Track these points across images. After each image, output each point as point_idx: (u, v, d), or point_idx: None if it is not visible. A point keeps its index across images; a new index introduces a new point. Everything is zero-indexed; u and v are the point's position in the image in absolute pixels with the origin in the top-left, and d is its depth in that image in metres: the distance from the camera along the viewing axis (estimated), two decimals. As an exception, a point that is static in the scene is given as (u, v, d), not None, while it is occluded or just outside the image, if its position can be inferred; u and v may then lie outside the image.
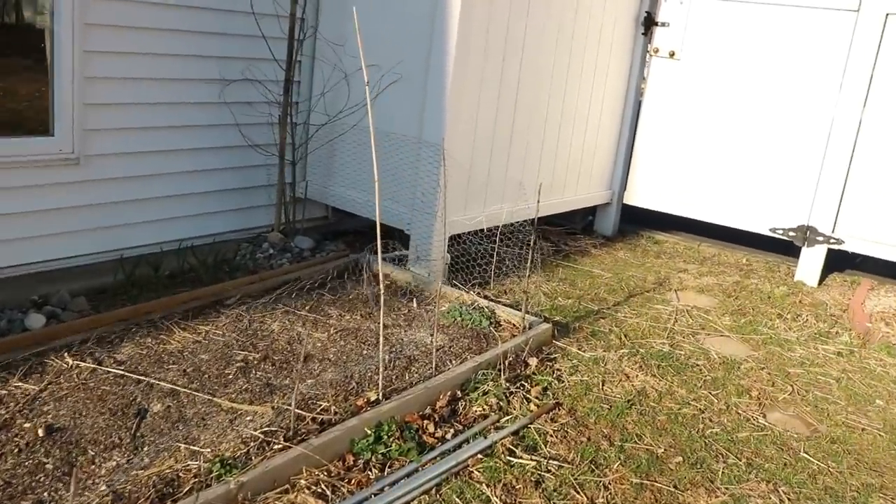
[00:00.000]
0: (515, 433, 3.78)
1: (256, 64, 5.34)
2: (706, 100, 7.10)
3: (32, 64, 4.44)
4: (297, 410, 3.55)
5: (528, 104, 5.93)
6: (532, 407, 4.03)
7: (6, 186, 4.33)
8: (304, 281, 4.99)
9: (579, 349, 4.80)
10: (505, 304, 5.11)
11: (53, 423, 3.34)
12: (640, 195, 7.54)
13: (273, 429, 3.41)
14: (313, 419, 3.53)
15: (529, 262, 4.76)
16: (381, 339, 3.76)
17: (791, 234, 6.81)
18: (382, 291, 3.67)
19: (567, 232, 7.44)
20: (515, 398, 4.07)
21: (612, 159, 7.42)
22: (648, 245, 7.50)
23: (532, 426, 3.86)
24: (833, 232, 6.63)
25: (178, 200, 5.16)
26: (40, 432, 3.26)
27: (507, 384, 4.15)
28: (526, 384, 4.23)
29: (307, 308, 4.73)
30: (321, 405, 3.65)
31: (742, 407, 4.33)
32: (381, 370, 3.79)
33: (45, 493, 2.92)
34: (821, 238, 6.67)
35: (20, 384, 3.60)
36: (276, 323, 4.48)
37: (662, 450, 3.81)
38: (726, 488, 3.56)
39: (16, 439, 3.21)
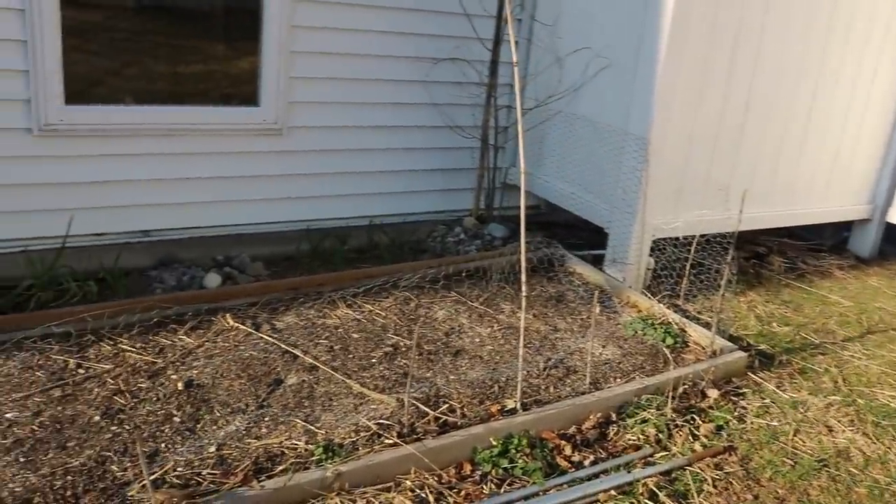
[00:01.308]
0: (666, 473, 3.34)
1: (465, 43, 5.20)
2: None
3: (243, 39, 4.65)
4: (421, 406, 3.39)
5: (765, 101, 5.21)
6: (697, 446, 3.54)
7: (212, 151, 4.59)
8: (487, 271, 4.81)
9: (778, 387, 4.16)
10: (702, 324, 4.57)
11: (195, 378, 3.47)
12: (913, 213, 6.44)
13: (389, 422, 3.28)
14: (436, 419, 3.35)
15: (724, 278, 4.18)
16: (521, 341, 3.48)
17: None
18: (524, 293, 3.38)
19: (811, 248, 6.55)
20: (679, 433, 3.60)
21: (876, 170, 6.38)
22: (913, 274, 6.42)
23: (689, 469, 3.38)
24: None
25: (372, 177, 5.19)
26: (180, 386, 3.40)
27: (674, 415, 3.69)
28: (697, 418, 3.73)
29: (480, 300, 4.54)
30: (449, 404, 3.46)
31: (977, 494, 3.51)
32: (519, 377, 3.52)
33: (163, 444, 3.03)
34: None
35: (183, 337, 3.78)
36: (443, 311, 4.35)
37: (848, 530, 3.19)
38: None
39: (159, 388, 3.38)
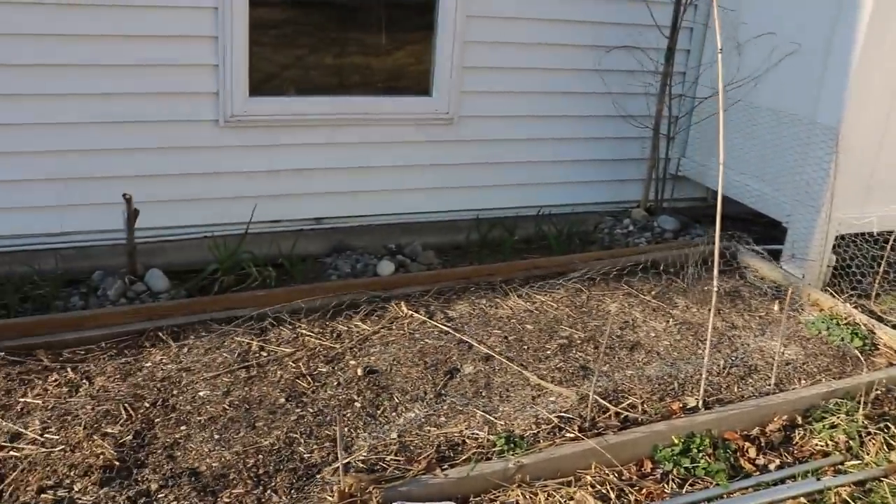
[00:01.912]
0: (860, 484, 3.14)
1: (640, 31, 5.06)
2: None
3: (417, 30, 4.70)
4: (600, 400, 3.33)
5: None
6: (893, 457, 3.30)
7: (384, 141, 4.68)
8: (659, 264, 4.68)
9: (982, 398, 3.84)
10: (892, 326, 4.28)
11: (374, 365, 3.54)
12: None
13: (570, 416, 3.24)
14: (616, 414, 3.28)
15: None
16: (708, 337, 3.35)
17: None
18: (716, 287, 3.25)
19: None
20: (873, 441, 3.38)
21: None
22: None
23: (885, 481, 3.17)
24: None
25: (541, 166, 5.15)
26: (359, 372, 3.47)
27: (866, 422, 3.46)
28: (892, 426, 3.48)
29: (653, 293, 4.43)
30: (630, 400, 3.38)
31: None
32: (703, 374, 3.40)
33: (346, 429, 3.10)
34: None
35: (359, 324, 3.87)
36: (615, 304, 4.26)
37: None
38: None
39: (339, 373, 3.47)
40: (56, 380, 3.28)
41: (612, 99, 5.15)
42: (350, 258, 4.48)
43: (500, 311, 4.09)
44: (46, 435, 2.94)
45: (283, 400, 3.25)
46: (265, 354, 3.57)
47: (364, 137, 4.64)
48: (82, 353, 3.48)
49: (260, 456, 2.92)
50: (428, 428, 3.14)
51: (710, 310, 4.25)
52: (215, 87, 4.25)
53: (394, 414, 3.22)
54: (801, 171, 4.63)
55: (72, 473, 2.76)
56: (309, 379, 3.41)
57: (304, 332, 3.77)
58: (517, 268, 4.44)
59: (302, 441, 3.02)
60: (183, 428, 3.05)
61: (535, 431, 3.14)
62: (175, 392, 3.26)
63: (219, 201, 4.47)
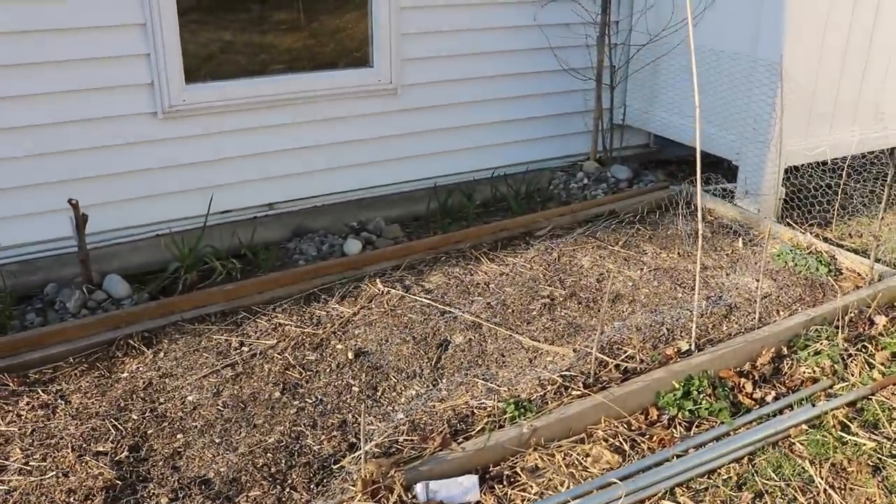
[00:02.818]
0: (852, 404, 3.25)
1: (575, -19, 5.04)
2: None
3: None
4: (599, 356, 3.33)
5: (892, 11, 4.96)
6: (875, 375, 3.43)
7: (328, 117, 4.55)
8: (619, 214, 4.70)
9: (942, 308, 4.01)
10: (849, 250, 4.41)
11: (362, 346, 3.45)
12: None
13: (572, 373, 3.23)
14: (616, 366, 3.29)
15: (885, 200, 4.01)
16: (696, 283, 3.39)
17: None
18: (701, 230, 3.28)
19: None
20: (855, 363, 3.50)
21: None
22: None
23: (874, 398, 3.29)
24: None
25: (490, 128, 5.10)
26: (350, 355, 3.38)
27: (846, 345, 3.58)
28: (869, 346, 3.61)
29: (620, 243, 4.45)
30: (626, 351, 3.40)
31: None
32: (694, 318, 3.44)
33: (350, 415, 3.02)
34: None
35: (337, 306, 3.77)
36: (586, 258, 4.27)
37: None
38: None
39: (328, 359, 3.37)
40: (28, 403, 3.08)
41: (552, 53, 5.12)
42: (314, 241, 4.35)
43: (475, 277, 4.05)
44: (32, 463, 2.77)
45: (277, 394, 3.14)
46: (247, 349, 3.44)
47: (309, 116, 4.49)
48: (50, 371, 3.29)
49: (269, 454, 2.81)
50: (432, 403, 3.08)
51: (679, 254, 4.34)
52: (149, 77, 4.04)
53: (394, 394, 3.16)
54: (746, 108, 4.71)
55: (71, 500, 2.60)
56: (299, 369, 3.30)
57: (282, 321, 3.64)
58: (484, 232, 4.39)
59: (308, 433, 2.92)
60: (180, 436, 2.91)
61: (542, 393, 3.12)
62: (162, 400, 3.11)
63: (169, 196, 4.27)
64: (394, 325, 3.61)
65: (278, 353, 3.41)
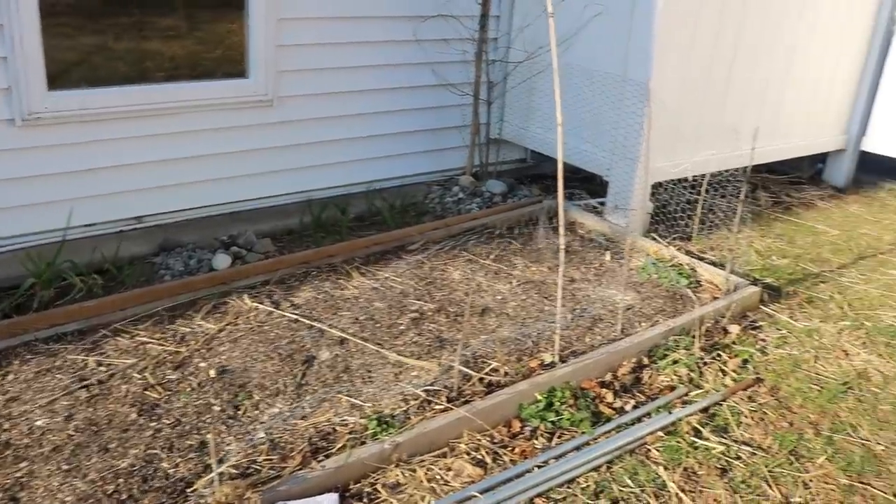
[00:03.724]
0: (705, 410, 3.39)
1: (456, -1, 5.11)
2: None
3: (228, 8, 4.46)
4: (464, 369, 3.37)
5: (753, 39, 5.23)
6: (728, 381, 3.60)
7: (202, 129, 4.43)
8: (492, 227, 4.77)
9: (791, 318, 4.24)
10: (709, 263, 4.62)
11: (226, 364, 3.38)
12: (881, 140, 6.55)
13: (436, 388, 3.25)
14: (480, 380, 3.33)
15: (738, 216, 4.21)
16: (559, 296, 3.46)
17: None
18: (563, 245, 3.35)
19: (791, 181, 6.65)
20: (709, 370, 3.66)
21: (851, 100, 6.49)
22: (889, 199, 6.55)
23: (725, 404, 3.45)
24: None
25: (367, 142, 5.09)
26: (212, 373, 3.31)
27: (702, 353, 3.74)
28: (723, 354, 3.79)
29: (492, 257, 4.52)
30: (491, 364, 3.44)
31: None
32: (557, 330, 3.51)
33: (209, 435, 2.94)
34: None
35: (202, 323, 3.68)
36: (458, 272, 4.31)
37: (882, 447, 3.26)
38: (963, 503, 2.98)
39: (190, 378, 3.28)
40: None
41: (431, 68, 5.16)
42: (182, 255, 4.23)
43: (346, 291, 4.03)
44: None
45: (134, 415, 3.04)
46: (104, 370, 3.31)
47: (181, 126, 4.37)
48: None
49: (120, 480, 2.71)
50: (295, 421, 3.04)
51: (549, 267, 4.43)
52: (6, 82, 3.84)
53: (256, 412, 3.10)
54: (617, 127, 4.86)
55: None
56: (159, 389, 3.20)
57: (144, 339, 3.53)
58: (357, 246, 4.38)
59: (164, 456, 2.84)
60: (24, 464, 2.76)
61: (405, 408, 3.13)
62: (6, 426, 2.94)
63: (29, 209, 4.05)
64: (260, 342, 3.55)
65: (138, 373, 3.30)
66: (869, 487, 3.02)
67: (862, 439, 3.30)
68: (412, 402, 3.16)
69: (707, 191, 5.02)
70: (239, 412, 3.09)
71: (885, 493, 3.00)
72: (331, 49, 4.76)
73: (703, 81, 5.04)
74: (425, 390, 3.23)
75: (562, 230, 3.32)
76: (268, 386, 3.25)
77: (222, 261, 4.17)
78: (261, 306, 3.83)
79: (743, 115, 5.43)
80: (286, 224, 4.76)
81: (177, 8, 4.35)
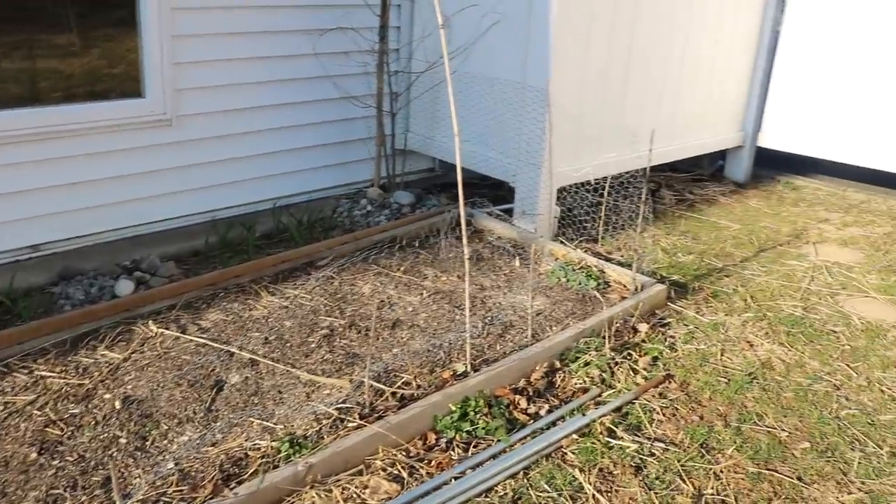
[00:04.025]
0: (618, 410, 3.44)
1: (351, 11, 5.06)
2: (857, 28, 6.27)
3: (120, 28, 4.34)
4: (376, 384, 3.35)
5: (646, 43, 5.39)
6: (639, 380, 3.66)
7: (100, 151, 4.30)
8: (401, 239, 4.77)
9: (697, 313, 4.35)
10: (617, 263, 4.71)
11: (132, 394, 3.27)
12: (776, 136, 6.83)
13: (349, 405, 3.22)
14: (393, 394, 3.31)
15: (640, 216, 4.31)
16: (467, 305, 3.47)
17: (955, 176, 5.99)
18: (467, 256, 3.37)
19: (693, 179, 6.86)
20: (621, 370, 3.72)
21: (745, 98, 6.73)
22: (785, 191, 6.82)
23: (637, 402, 3.51)
24: None
25: (271, 158, 5.02)
26: (117, 404, 3.20)
27: (612, 354, 3.79)
28: (633, 353, 3.86)
29: (402, 269, 4.50)
30: (403, 378, 3.43)
31: (888, 383, 3.79)
32: (468, 339, 3.52)
33: (117, 469, 2.85)
34: None
35: (106, 353, 3.56)
36: (368, 285, 4.28)
37: (787, 433, 3.37)
38: (862, 483, 3.09)
39: (95, 411, 3.17)
40: None
41: (332, 81, 5.12)
42: (82, 284, 4.08)
43: (254, 312, 3.96)
44: None
45: (34, 455, 2.91)
46: (0, 408, 3.17)
47: (79, 149, 4.22)
48: None
49: (20, 524, 2.60)
50: (205, 449, 2.97)
51: (459, 276, 4.44)
52: None
53: (165, 442, 3.01)
54: (520, 133, 4.92)
55: None
56: (61, 424, 3.08)
57: (43, 373, 3.39)
58: (264, 265, 4.31)
59: (68, 496, 2.72)
60: (-88, 516, 2.63)
61: (318, 428, 3.08)
62: None
63: None
64: (167, 369, 3.45)
65: (38, 410, 3.16)
66: (775, 473, 3.12)
67: (768, 427, 3.40)
68: (325, 422, 3.11)
69: (611, 192, 5.13)
70: (147, 443, 3.00)
71: (791, 477, 3.10)
72: (229, 65, 4.68)
73: (601, 85, 5.15)
74: (337, 408, 3.19)
75: (465, 240, 3.34)
76: (176, 414, 3.16)
77: (125, 287, 4.04)
78: (167, 332, 3.72)
79: (642, 116, 5.57)
80: (192, 245, 4.65)
81: (71, 27, 4.20)
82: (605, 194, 4.86)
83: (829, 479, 3.10)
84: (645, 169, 4.35)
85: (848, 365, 3.93)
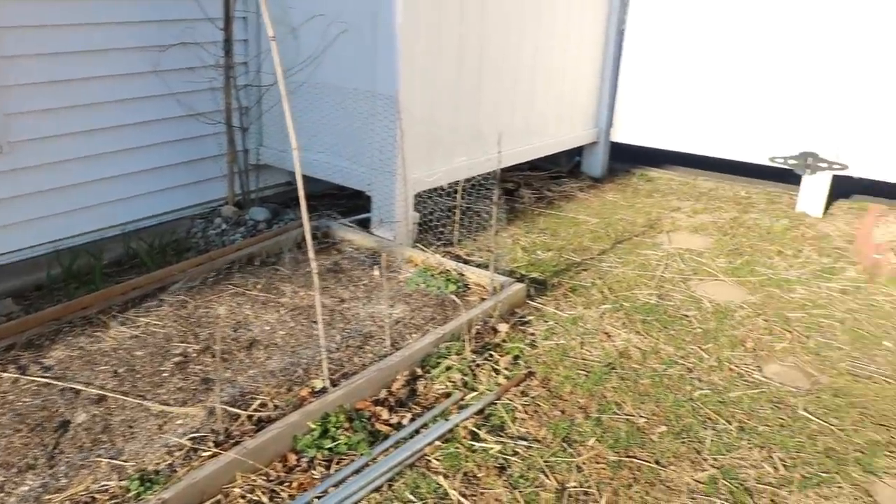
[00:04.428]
0: (480, 412, 3.46)
1: (193, 26, 4.90)
2: (696, 24, 6.57)
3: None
4: (231, 409, 3.25)
5: (497, 47, 5.47)
6: (501, 380, 3.70)
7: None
8: (257, 256, 4.66)
9: (557, 308, 4.44)
10: (477, 265, 4.75)
11: (-35, 445, 3.06)
12: (627, 131, 7.08)
13: (203, 433, 3.11)
14: (249, 417, 3.22)
15: (494, 217, 4.37)
16: (320, 320, 3.41)
17: (791, 162, 6.35)
18: (315, 270, 3.32)
19: (552, 176, 7.02)
20: (482, 371, 3.74)
21: (597, 95, 6.96)
22: (640, 183, 7.07)
23: (499, 402, 3.54)
24: (837, 157, 6.16)
25: (117, 182, 4.80)
26: (-52, 458, 2.98)
27: (474, 356, 3.82)
28: (495, 354, 3.89)
29: (258, 287, 4.40)
30: (260, 400, 3.34)
31: (735, 361, 3.98)
32: (324, 354, 3.46)
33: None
34: (824, 164, 6.21)
35: (-64, 402, 3.32)
36: (223, 307, 4.16)
37: (644, 419, 3.47)
38: (714, 459, 3.23)
39: (-78, 468, 2.94)
40: None
41: (178, 99, 4.94)
42: None
43: (103, 345, 3.77)
44: None
45: None
46: None
47: None
48: None
49: None
50: (48, 497, 2.79)
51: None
52: None
53: (2, 495, 2.82)
54: (372, 141, 4.89)
55: None
56: None
57: None
58: (113, 294, 4.11)
59: None
60: None
61: (170, 461, 2.96)
62: None
63: None
64: (3, 415, 3.23)
65: None
66: (635, 459, 3.21)
67: (626, 415, 3.50)
68: (177, 454, 2.99)
69: (470, 195, 5.18)
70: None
71: (649, 461, 3.19)
72: (64, 86, 4.44)
73: (453, 92, 5.19)
74: (191, 438, 3.07)
75: (312, 254, 3.29)
76: (15, 462, 2.97)
77: (-46, 330, 3.79)
78: (4, 375, 3.49)
79: (496, 120, 5.65)
80: (35, 278, 4.39)
81: None
82: (459, 198, 4.89)
83: (684, 459, 3.22)
84: (496, 171, 4.40)
85: (700, 347, 4.10)
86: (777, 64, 6.28)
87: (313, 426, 3.19)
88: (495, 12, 5.38)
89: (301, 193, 3.26)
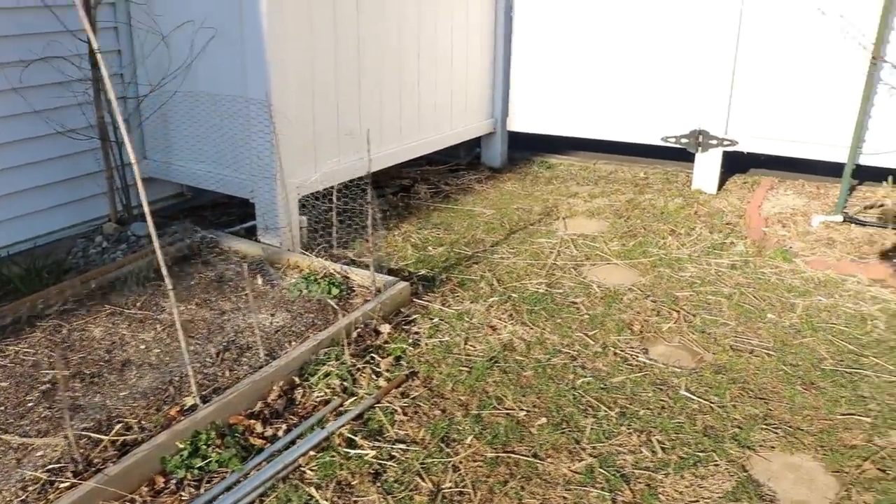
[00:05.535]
0: (359, 417, 3.43)
1: (56, 40, 4.75)
2: (585, 8, 6.62)
3: None
4: (93, 435, 3.16)
5: (376, 43, 5.43)
6: (382, 383, 3.67)
7: None
8: (139, 272, 4.55)
9: (444, 305, 4.43)
10: (363, 267, 4.71)
11: None
12: (523, 120, 7.12)
13: (62, 464, 3.02)
14: (113, 442, 3.15)
15: (369, 217, 4.32)
16: (181, 335, 3.33)
17: (683, 140, 6.45)
18: (169, 283, 3.24)
19: (451, 169, 7.02)
20: (363, 375, 3.71)
21: (490, 84, 6.97)
22: (540, 171, 7.11)
23: (378, 406, 3.51)
24: (726, 133, 6.28)
25: (-19, 206, 4.65)
26: None
27: (354, 360, 3.78)
28: (376, 356, 3.87)
29: (137, 304, 4.30)
30: (125, 423, 3.26)
31: (621, 346, 4.01)
32: (190, 370, 3.38)
33: None
34: (714, 141, 6.32)
35: None
36: (99, 328, 4.06)
37: (525, 412, 3.47)
38: (593, 448, 3.24)
39: None
40: None
41: (45, 116, 4.78)
42: None
43: (-33, 378, 3.65)
44: None
45: None
46: None
47: None
48: None
49: None
50: None
51: (198, 304, 4.31)
52: None
53: None
54: (249, 147, 4.82)
55: None
56: None
57: None
58: (-20, 323, 3.99)
59: None
60: None
61: (23, 497, 2.87)
62: None
63: None
64: None
65: None
66: (513, 454, 3.20)
67: (507, 409, 3.49)
68: (31, 488, 2.90)
69: (358, 196, 5.13)
70: None
71: (527, 455, 3.19)
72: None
73: (331, 91, 5.13)
74: (48, 470, 2.99)
75: (165, 271, 3.21)
76: None
77: None
78: None
79: (381, 118, 5.62)
80: None
81: None
82: (335, 199, 4.84)
83: (562, 450, 3.22)
84: (369, 171, 4.37)
85: (585, 334, 4.13)
86: (666, 44, 6.36)
87: (182, 446, 3.12)
88: (371, 16, 5.33)
89: (146, 209, 3.19)
